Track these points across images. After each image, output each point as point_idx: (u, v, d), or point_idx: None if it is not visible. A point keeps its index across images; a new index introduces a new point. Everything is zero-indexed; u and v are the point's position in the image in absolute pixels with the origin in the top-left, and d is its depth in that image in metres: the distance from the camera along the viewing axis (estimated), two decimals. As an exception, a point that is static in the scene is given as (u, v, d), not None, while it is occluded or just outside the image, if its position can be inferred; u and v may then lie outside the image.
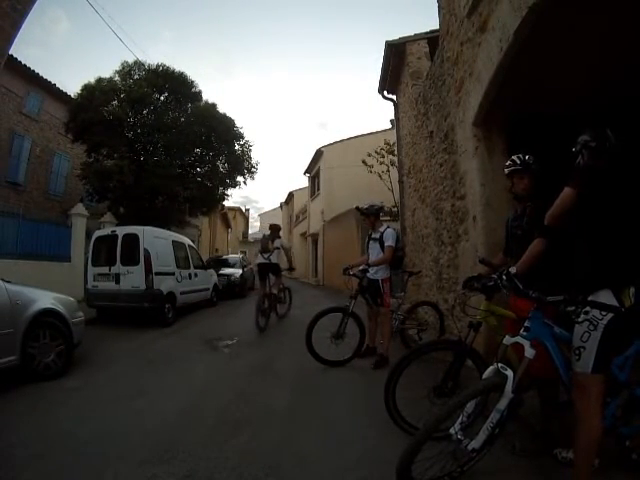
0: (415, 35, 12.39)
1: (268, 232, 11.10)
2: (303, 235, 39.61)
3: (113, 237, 11.12)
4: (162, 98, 19.89)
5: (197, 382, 6.02)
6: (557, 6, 4.36)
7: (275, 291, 10.64)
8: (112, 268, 10.84)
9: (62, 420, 4.53)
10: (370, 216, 7.04)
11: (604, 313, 2.74)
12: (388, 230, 6.88)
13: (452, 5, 7.35)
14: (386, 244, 6.76)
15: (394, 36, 12.61)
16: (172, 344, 8.76)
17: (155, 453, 3.74)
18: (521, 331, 3.08)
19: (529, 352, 2.99)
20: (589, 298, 2.83)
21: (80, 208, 15.09)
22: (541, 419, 3.76)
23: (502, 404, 2.91)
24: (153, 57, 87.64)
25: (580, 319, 2.83)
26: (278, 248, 10.51)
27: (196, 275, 13.97)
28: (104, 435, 4.11)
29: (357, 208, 7.29)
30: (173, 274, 12.06)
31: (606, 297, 2.76)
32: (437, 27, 9.07)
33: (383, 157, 20.57)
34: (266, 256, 10.41)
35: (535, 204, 4.16)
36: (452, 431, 3.02)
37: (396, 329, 7.43)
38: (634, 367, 3.00)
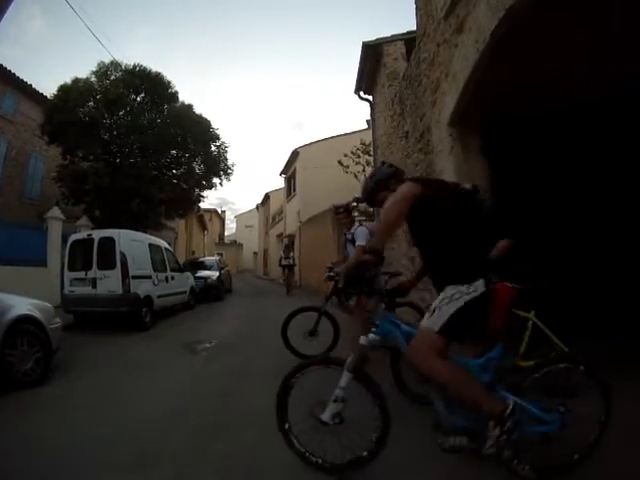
0: (392, 36, 12.47)
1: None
2: (279, 236, 39.48)
3: (89, 241, 11.02)
4: (138, 99, 19.80)
5: (177, 386, 6.03)
6: (534, 8, 4.44)
7: None
8: (88, 272, 10.75)
9: (44, 427, 4.52)
10: (341, 216, 7.14)
11: (471, 290, 2.95)
12: (359, 229, 6.82)
13: (429, 7, 7.43)
14: (357, 243, 6.70)
15: (371, 37, 12.70)
16: (151, 348, 8.78)
17: (140, 458, 3.75)
18: (372, 329, 3.26)
19: (363, 339, 3.23)
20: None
21: (56, 211, 14.85)
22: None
23: (342, 382, 3.13)
24: (131, 56, 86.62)
25: (450, 287, 3.02)
26: None
27: (173, 278, 13.94)
28: (87, 441, 4.11)
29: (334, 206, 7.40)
30: (150, 277, 12.02)
31: (478, 283, 2.98)
32: (414, 28, 9.11)
33: (359, 157, 20.70)
34: None
35: None
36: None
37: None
38: (498, 369, 3.18)
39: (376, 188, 3.58)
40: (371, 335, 3.23)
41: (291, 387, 3.38)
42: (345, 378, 3.14)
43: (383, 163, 3.95)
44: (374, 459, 3.22)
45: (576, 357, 3.50)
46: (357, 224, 7.07)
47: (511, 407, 2.88)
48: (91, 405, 5.21)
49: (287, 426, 3.42)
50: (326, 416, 3.14)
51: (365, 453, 3.23)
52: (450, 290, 3.00)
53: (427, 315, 3.07)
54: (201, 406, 5.14)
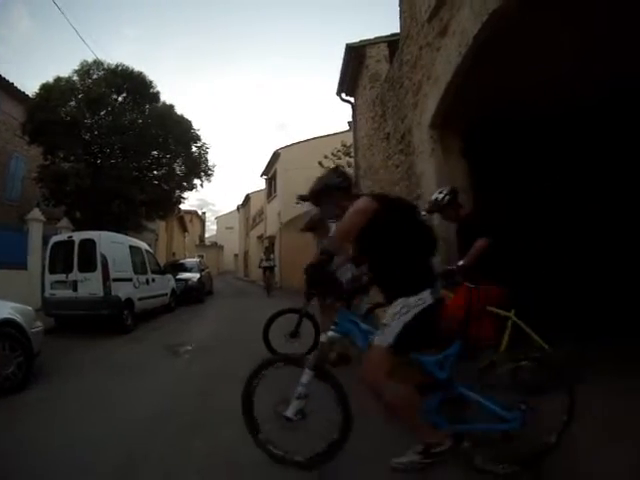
0: (376, 38, 12.54)
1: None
2: (260, 238, 39.31)
3: (70, 243, 10.94)
4: (120, 99, 19.65)
5: (162, 388, 6.08)
6: (518, 11, 4.51)
7: None
8: (69, 275, 10.68)
9: (36, 429, 4.55)
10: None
11: (420, 302, 3.06)
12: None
13: (414, 10, 7.49)
14: None
15: (355, 39, 12.74)
16: (134, 351, 8.79)
17: (129, 459, 3.80)
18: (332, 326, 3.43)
19: (323, 337, 3.45)
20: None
21: (36, 213, 14.73)
22: None
23: (304, 379, 3.27)
24: (116, 56, 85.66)
25: (397, 302, 3.11)
26: None
27: (153, 280, 13.88)
28: (78, 443, 4.15)
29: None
30: (130, 280, 11.96)
31: (424, 294, 3.08)
32: (398, 31, 9.19)
33: (340, 159, 20.73)
34: None
35: None
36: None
37: None
38: (454, 366, 3.26)
39: (322, 192, 3.64)
40: (330, 333, 3.39)
41: (255, 386, 3.52)
42: (306, 375, 3.27)
43: (336, 169, 4.05)
44: (336, 453, 3.32)
45: (541, 355, 3.75)
46: (334, 226, 7.10)
47: (444, 448, 3.02)
48: (79, 408, 5.23)
49: (260, 437, 3.52)
50: (290, 412, 3.26)
51: (327, 447, 3.33)
52: (399, 305, 3.09)
53: (379, 332, 3.15)
54: (184, 406, 5.20)
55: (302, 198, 4.35)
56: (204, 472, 3.60)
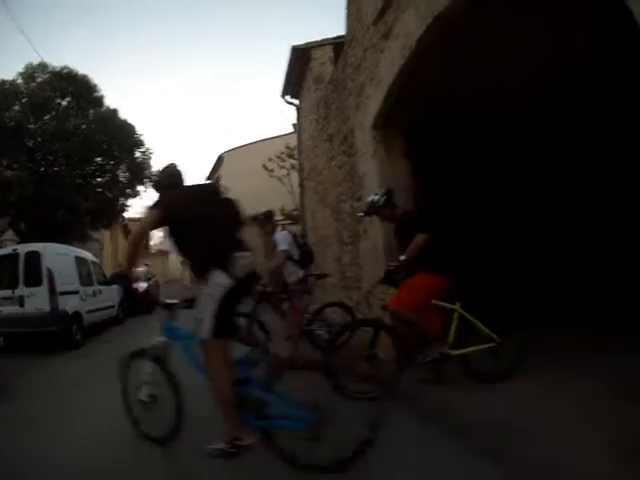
0: (322, 40, 12.65)
1: None
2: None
3: (15, 256, 10.52)
4: (64, 103, 19.29)
5: (117, 402, 5.99)
6: (462, 16, 4.67)
7: None
8: (15, 290, 10.24)
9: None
10: (263, 225, 7.20)
11: (217, 289, 3.43)
12: (278, 234, 6.89)
13: (360, 12, 7.55)
14: (278, 248, 6.76)
15: (302, 42, 12.75)
16: (85, 367, 8.58)
17: (92, 471, 3.85)
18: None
19: (153, 339, 4.11)
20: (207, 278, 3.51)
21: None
22: None
23: (147, 368, 3.98)
24: (62, 58, 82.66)
25: (202, 296, 3.58)
26: None
27: (100, 292, 13.45)
28: (39, 462, 4.12)
29: (252, 218, 7.51)
30: (77, 292, 11.56)
31: (219, 276, 3.43)
32: (344, 33, 9.24)
33: (284, 161, 20.81)
34: None
35: None
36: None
37: (303, 332, 7.49)
38: (253, 367, 3.71)
39: (155, 187, 4.46)
40: (158, 337, 4.04)
41: (127, 376, 4.33)
42: (147, 366, 3.95)
43: (166, 167, 4.30)
44: (177, 433, 3.90)
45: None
46: (280, 228, 7.16)
47: (247, 442, 3.37)
48: (36, 427, 5.13)
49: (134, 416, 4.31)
50: (142, 395, 3.93)
51: (170, 431, 3.94)
52: (202, 298, 3.54)
53: (199, 327, 3.53)
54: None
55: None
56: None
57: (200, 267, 3.63)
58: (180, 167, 4.14)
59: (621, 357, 5.25)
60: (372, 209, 5.72)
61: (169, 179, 4.08)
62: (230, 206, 4.03)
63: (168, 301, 4.24)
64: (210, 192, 4.16)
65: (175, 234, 3.73)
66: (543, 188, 9.60)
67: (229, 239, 3.71)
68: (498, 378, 5.11)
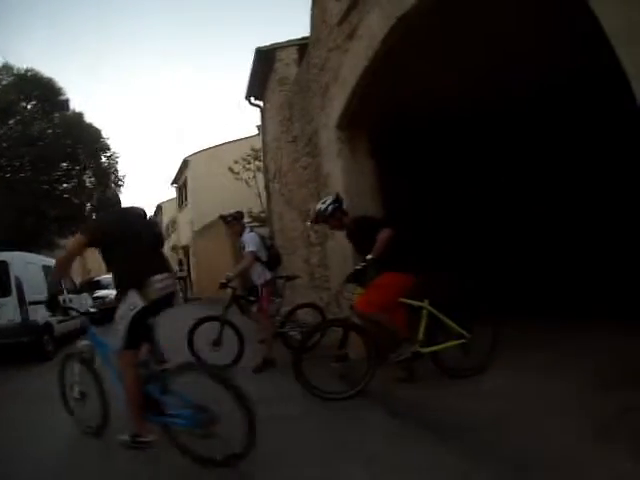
0: (288, 41, 12.58)
1: None
2: (174, 249, 37.93)
3: (-17, 267, 10.17)
4: (29, 107, 18.96)
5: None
6: (427, 16, 4.68)
7: None
8: (-15, 302, 9.90)
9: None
10: (231, 225, 7.23)
11: (132, 307, 3.73)
12: (246, 236, 6.87)
13: (325, 13, 7.48)
14: (245, 250, 6.76)
15: (266, 43, 12.71)
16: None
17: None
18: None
19: (78, 343, 4.74)
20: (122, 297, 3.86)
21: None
22: None
23: (75, 369, 4.55)
24: (25, 59, 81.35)
25: (119, 310, 3.86)
26: None
27: (70, 301, 12.97)
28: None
29: (220, 217, 7.52)
30: (47, 302, 11.24)
31: (134, 296, 3.75)
32: (308, 34, 9.10)
33: (250, 164, 20.76)
34: None
35: None
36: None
37: (276, 334, 7.48)
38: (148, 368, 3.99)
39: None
40: (84, 342, 4.62)
41: (63, 376, 4.75)
42: (76, 367, 4.48)
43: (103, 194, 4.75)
44: (106, 425, 4.32)
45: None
46: (247, 230, 7.13)
47: (146, 439, 3.67)
48: (3, 442, 4.98)
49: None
50: (75, 394, 4.47)
51: (100, 419, 4.36)
52: (119, 312, 3.83)
53: (115, 338, 3.85)
54: (114, 427, 5.07)
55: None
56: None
57: (121, 285, 3.98)
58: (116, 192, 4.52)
59: (591, 350, 5.31)
60: (319, 218, 5.64)
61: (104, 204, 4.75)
62: (153, 227, 4.56)
63: (91, 309, 4.86)
64: (136, 215, 4.41)
65: (104, 254, 4.10)
66: (526, 188, 9.74)
67: (150, 261, 4.01)
68: (470, 373, 5.13)
